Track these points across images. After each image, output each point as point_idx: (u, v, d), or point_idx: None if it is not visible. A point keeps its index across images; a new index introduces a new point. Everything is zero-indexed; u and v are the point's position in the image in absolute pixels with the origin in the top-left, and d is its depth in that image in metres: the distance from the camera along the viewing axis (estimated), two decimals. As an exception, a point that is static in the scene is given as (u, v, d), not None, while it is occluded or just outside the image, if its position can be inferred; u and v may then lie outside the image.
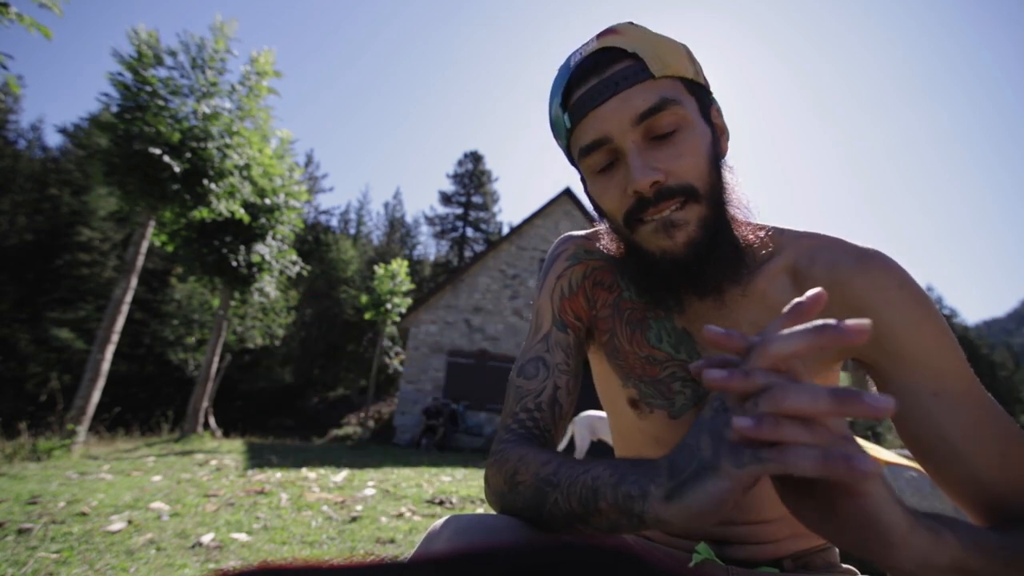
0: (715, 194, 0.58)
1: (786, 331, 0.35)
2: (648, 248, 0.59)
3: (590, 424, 6.02)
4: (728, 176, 0.61)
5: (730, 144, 0.64)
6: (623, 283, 0.71)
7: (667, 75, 0.56)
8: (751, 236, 0.63)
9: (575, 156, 0.62)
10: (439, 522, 0.51)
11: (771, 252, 0.64)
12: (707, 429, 0.39)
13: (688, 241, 0.56)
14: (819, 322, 0.34)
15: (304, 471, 4.60)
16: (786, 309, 0.37)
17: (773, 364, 0.36)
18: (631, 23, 0.60)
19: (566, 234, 0.77)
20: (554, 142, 0.67)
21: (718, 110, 0.62)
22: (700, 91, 0.60)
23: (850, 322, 0.32)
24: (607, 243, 0.67)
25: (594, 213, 0.67)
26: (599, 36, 0.59)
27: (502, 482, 0.55)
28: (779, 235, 0.65)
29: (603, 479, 0.44)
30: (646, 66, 0.55)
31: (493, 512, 0.56)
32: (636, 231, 0.59)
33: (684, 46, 0.60)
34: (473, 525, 0.48)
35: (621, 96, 0.55)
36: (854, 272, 0.58)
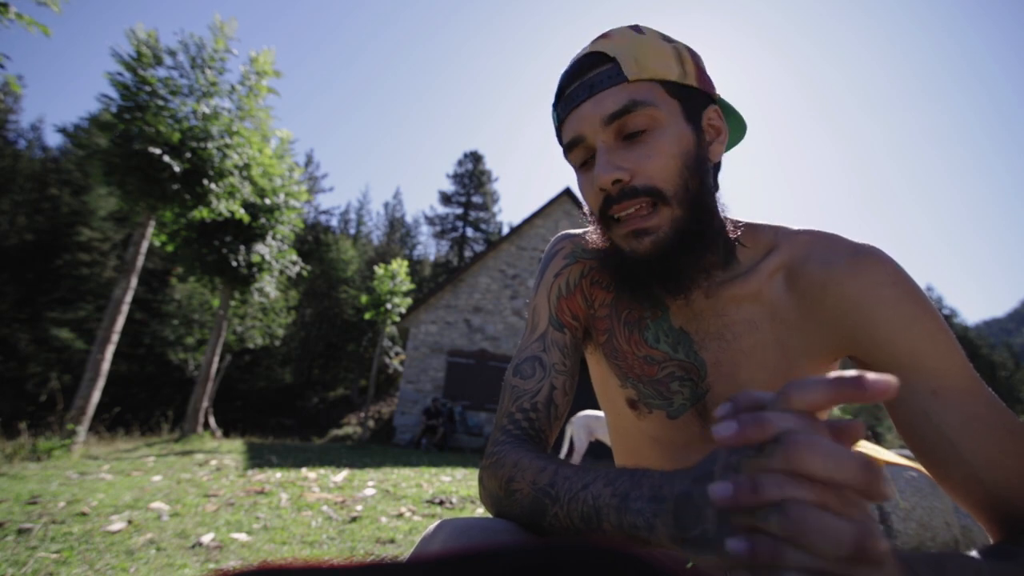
0: (688, 195, 0.58)
1: (807, 380, 0.32)
2: (620, 246, 0.62)
3: (587, 425, 6.00)
4: (710, 178, 0.61)
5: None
6: None
7: (643, 78, 0.57)
8: (739, 236, 0.63)
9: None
10: (432, 526, 0.50)
11: (767, 251, 0.64)
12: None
13: (655, 244, 0.58)
14: (840, 374, 0.31)
15: (304, 471, 4.60)
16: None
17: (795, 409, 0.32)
18: (630, 27, 0.61)
19: (562, 232, 0.77)
20: (554, 142, 0.68)
21: (717, 112, 0.62)
22: (688, 93, 0.60)
23: (872, 377, 0.29)
24: (595, 239, 0.67)
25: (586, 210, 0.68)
26: (592, 41, 0.62)
27: (498, 487, 0.55)
28: (774, 233, 0.65)
29: (604, 499, 0.43)
30: (621, 70, 0.58)
31: (488, 515, 0.56)
32: (611, 229, 0.61)
33: (679, 48, 0.60)
34: (470, 527, 0.48)
35: (595, 98, 0.58)
36: (847, 270, 0.57)
